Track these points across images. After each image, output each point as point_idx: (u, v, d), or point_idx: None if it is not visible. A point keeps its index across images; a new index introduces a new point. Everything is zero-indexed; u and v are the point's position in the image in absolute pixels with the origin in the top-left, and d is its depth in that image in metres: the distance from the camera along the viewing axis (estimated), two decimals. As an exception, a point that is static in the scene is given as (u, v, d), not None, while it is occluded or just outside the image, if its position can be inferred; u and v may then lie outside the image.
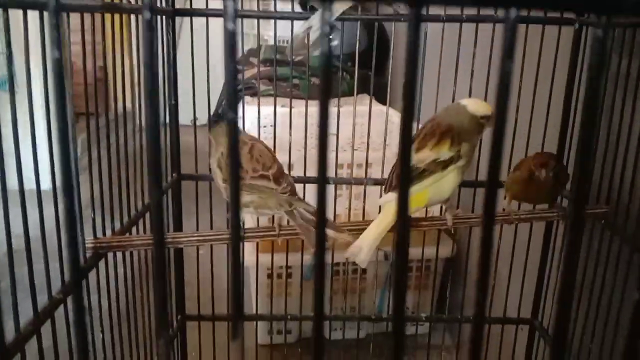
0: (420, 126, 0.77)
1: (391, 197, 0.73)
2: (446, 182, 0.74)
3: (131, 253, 0.73)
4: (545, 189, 0.76)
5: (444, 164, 0.72)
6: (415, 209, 0.76)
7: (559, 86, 0.88)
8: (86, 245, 0.63)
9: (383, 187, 0.77)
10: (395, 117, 1.84)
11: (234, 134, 0.23)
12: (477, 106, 0.74)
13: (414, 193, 0.72)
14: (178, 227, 0.94)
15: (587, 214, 0.81)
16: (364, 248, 0.69)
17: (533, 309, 0.98)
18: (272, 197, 0.70)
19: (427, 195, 0.74)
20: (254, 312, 1.06)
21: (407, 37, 0.20)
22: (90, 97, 0.69)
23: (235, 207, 0.26)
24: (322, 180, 0.22)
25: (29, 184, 0.50)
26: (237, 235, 0.25)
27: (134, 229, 0.75)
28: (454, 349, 1.31)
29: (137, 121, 0.84)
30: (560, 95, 0.89)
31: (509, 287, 0.99)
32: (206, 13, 0.88)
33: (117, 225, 0.71)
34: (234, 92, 0.23)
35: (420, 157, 0.72)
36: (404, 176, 0.23)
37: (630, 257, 0.75)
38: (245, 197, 0.70)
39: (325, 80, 0.21)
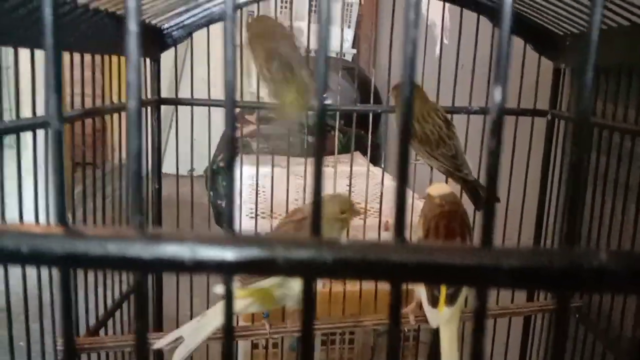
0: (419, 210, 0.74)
1: (449, 314, 0.64)
2: None
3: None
4: None
5: None
6: None
7: (534, 177, 0.90)
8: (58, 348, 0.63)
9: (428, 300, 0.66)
10: (388, 180, 1.85)
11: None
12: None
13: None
14: (159, 308, 0.94)
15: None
16: None
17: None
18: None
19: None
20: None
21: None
22: (89, 147, 0.69)
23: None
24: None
25: None
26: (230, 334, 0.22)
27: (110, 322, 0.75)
28: None
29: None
30: (535, 183, 0.90)
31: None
32: (192, 102, 0.91)
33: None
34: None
35: None
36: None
37: (604, 355, 0.75)
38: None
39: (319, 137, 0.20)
